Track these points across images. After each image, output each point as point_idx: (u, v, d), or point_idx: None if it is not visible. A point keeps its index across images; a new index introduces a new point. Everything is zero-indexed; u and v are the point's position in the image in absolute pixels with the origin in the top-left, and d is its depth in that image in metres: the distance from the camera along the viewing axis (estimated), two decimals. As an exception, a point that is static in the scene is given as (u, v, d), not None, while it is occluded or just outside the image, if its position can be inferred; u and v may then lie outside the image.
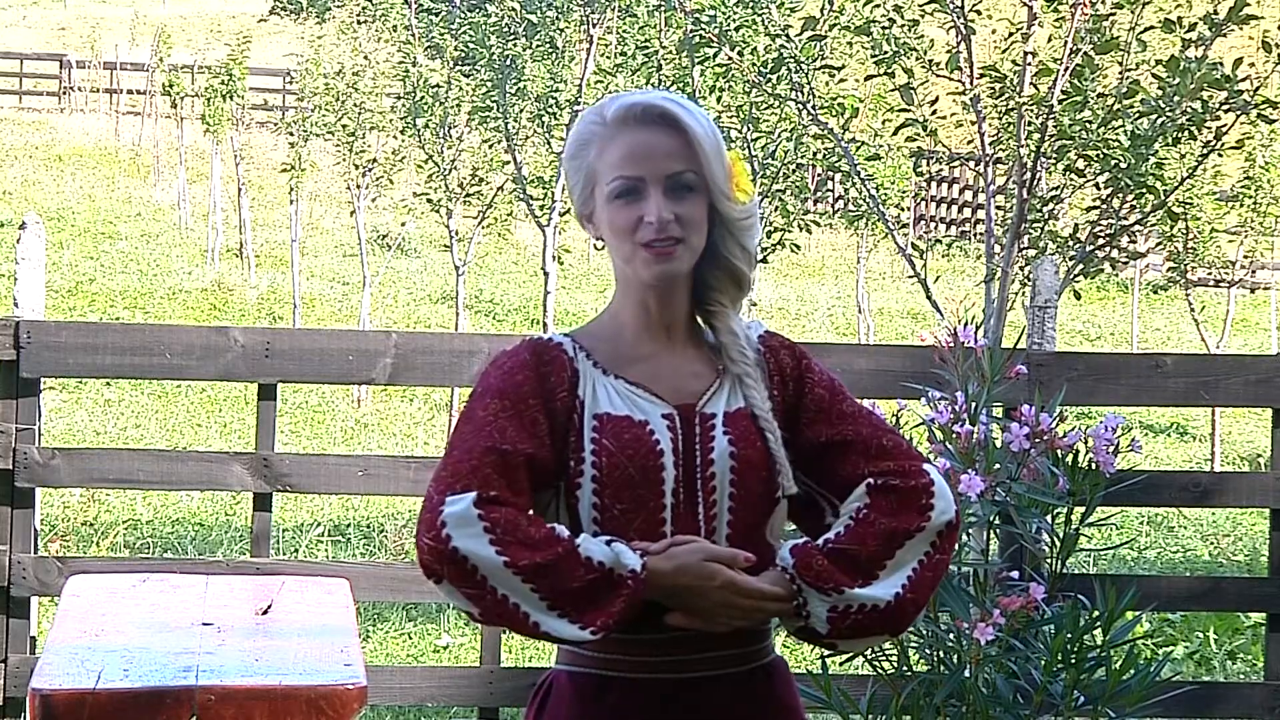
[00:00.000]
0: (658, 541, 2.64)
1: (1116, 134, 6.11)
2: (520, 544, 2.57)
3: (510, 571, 2.57)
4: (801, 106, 7.16)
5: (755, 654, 2.72)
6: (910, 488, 2.67)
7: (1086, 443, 4.11)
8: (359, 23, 17.21)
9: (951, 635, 4.05)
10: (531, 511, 2.70)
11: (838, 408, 2.74)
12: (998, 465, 4.06)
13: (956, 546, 3.95)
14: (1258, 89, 6.03)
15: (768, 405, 2.71)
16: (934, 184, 28.54)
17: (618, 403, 2.68)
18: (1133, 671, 3.96)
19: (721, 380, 2.72)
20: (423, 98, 14.55)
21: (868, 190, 7.25)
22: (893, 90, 6.79)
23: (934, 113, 6.68)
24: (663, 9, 11.25)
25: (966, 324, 4.15)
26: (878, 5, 6.44)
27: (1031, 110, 6.14)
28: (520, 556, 2.57)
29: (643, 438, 2.66)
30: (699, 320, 2.78)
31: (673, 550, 2.62)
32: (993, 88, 6.26)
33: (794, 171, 10.22)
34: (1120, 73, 6.33)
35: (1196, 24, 5.98)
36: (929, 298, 6.54)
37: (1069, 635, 3.96)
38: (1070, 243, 6.42)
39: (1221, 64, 5.97)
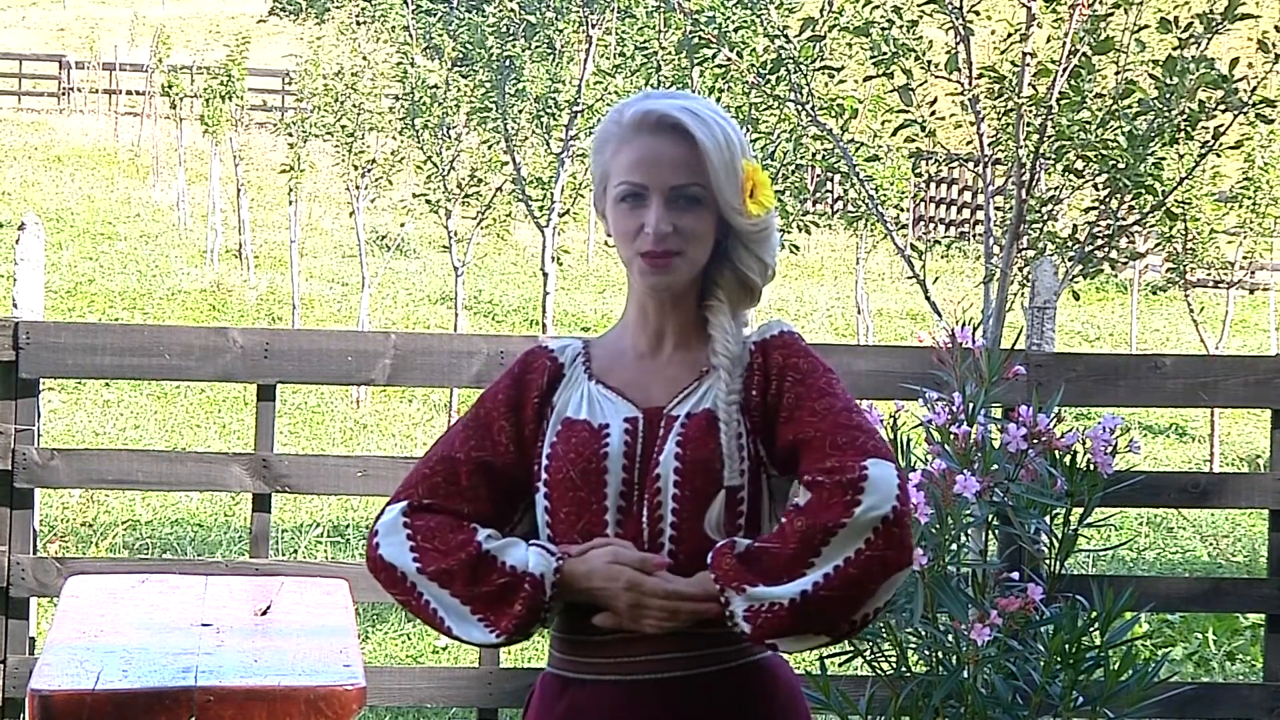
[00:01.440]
0: (584, 544, 2.67)
1: (1115, 134, 6.11)
2: (436, 550, 2.67)
3: (425, 577, 2.67)
4: (800, 107, 7.16)
5: (726, 655, 2.69)
6: (836, 483, 2.57)
7: (1085, 443, 4.11)
8: (358, 23, 17.21)
9: (950, 636, 4.05)
10: (530, 518, 2.74)
11: (811, 405, 2.66)
12: (996, 466, 4.05)
13: (955, 547, 4.00)
14: (1255, 89, 6.03)
15: (733, 399, 2.67)
16: (933, 185, 28.53)
17: (584, 408, 2.70)
18: (1131, 672, 3.96)
19: (700, 381, 2.70)
20: (421, 98, 14.55)
21: (866, 191, 7.25)
22: (891, 91, 6.79)
23: (933, 114, 6.67)
24: (661, 10, 11.25)
25: (965, 325, 4.15)
26: (877, 6, 6.43)
27: (1030, 111, 6.14)
28: (431, 562, 2.66)
29: (590, 442, 2.67)
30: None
31: (588, 554, 2.65)
32: (991, 88, 6.25)
33: (793, 172, 10.22)
34: (1117, 72, 6.33)
35: (1193, 23, 5.98)
36: (928, 298, 6.54)
37: (1067, 636, 3.96)
38: (1069, 243, 6.42)
39: (1215, 62, 5.97)
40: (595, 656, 2.68)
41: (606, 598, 2.63)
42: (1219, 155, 7.39)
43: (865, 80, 10.84)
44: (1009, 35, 6.34)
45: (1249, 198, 14.76)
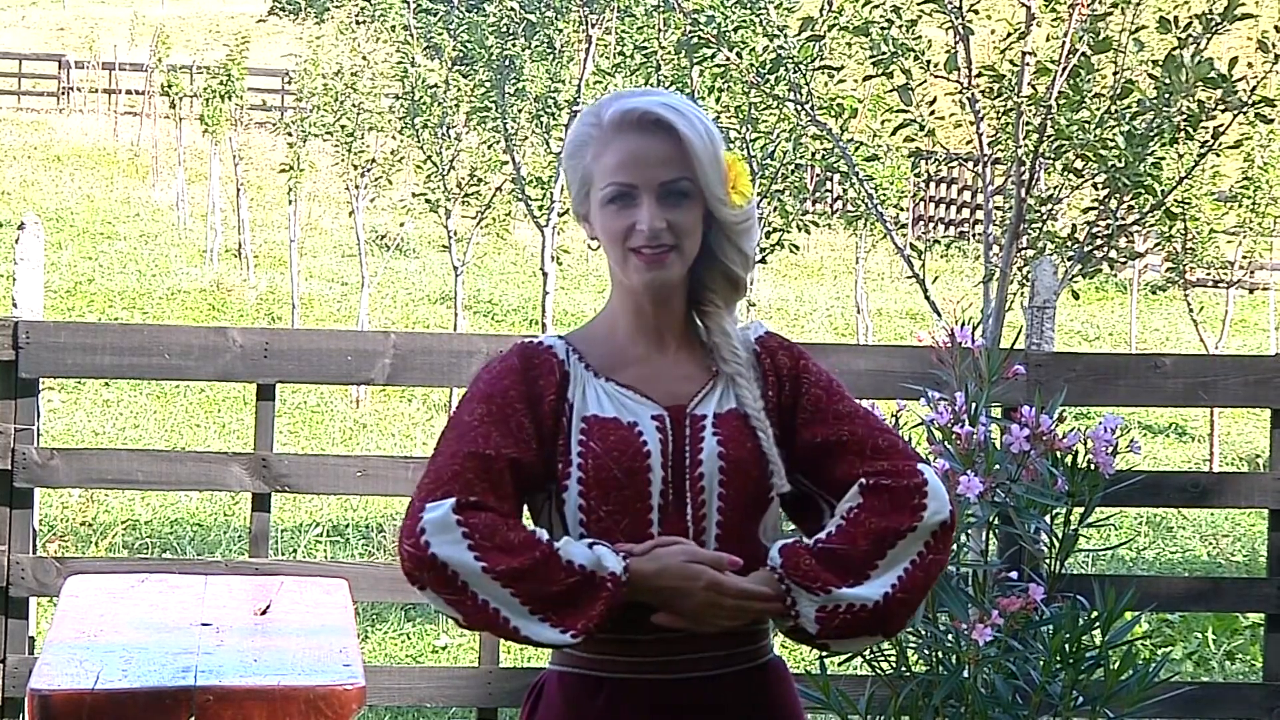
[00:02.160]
0: (644, 543, 2.64)
1: (1114, 134, 6.11)
2: (498, 549, 2.59)
3: (489, 577, 2.58)
4: (800, 107, 7.16)
5: (750, 654, 2.71)
6: (903, 487, 2.65)
7: (1086, 444, 4.10)
8: (357, 23, 17.21)
9: (950, 636, 4.05)
10: (525, 515, 2.71)
11: (834, 408, 2.72)
12: (997, 466, 4.05)
13: (955, 547, 3.99)
14: (1254, 88, 6.04)
15: (760, 405, 2.69)
16: (932, 184, 28.53)
17: (607, 405, 2.68)
18: (1131, 672, 3.96)
19: (714, 382, 2.71)
20: (421, 98, 14.55)
21: (866, 191, 7.25)
22: (891, 91, 6.78)
23: (932, 113, 6.67)
24: (661, 9, 11.24)
25: (964, 324, 4.15)
26: (876, 6, 6.43)
27: (1029, 110, 6.14)
28: (498, 561, 2.58)
29: (629, 439, 2.65)
30: (697, 321, 2.78)
31: (657, 552, 2.62)
32: (990, 88, 6.25)
33: (793, 172, 10.21)
34: (1116, 72, 6.33)
35: (1192, 22, 5.98)
36: (927, 298, 6.54)
37: (1067, 636, 3.96)
38: (1068, 243, 6.42)
39: (1214, 62, 5.97)
40: (635, 655, 2.67)
41: (679, 596, 2.61)
42: (1218, 155, 7.40)
43: (865, 80, 10.85)
44: (1008, 35, 6.34)
45: (1248, 197, 14.78)
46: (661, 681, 2.67)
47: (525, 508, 2.74)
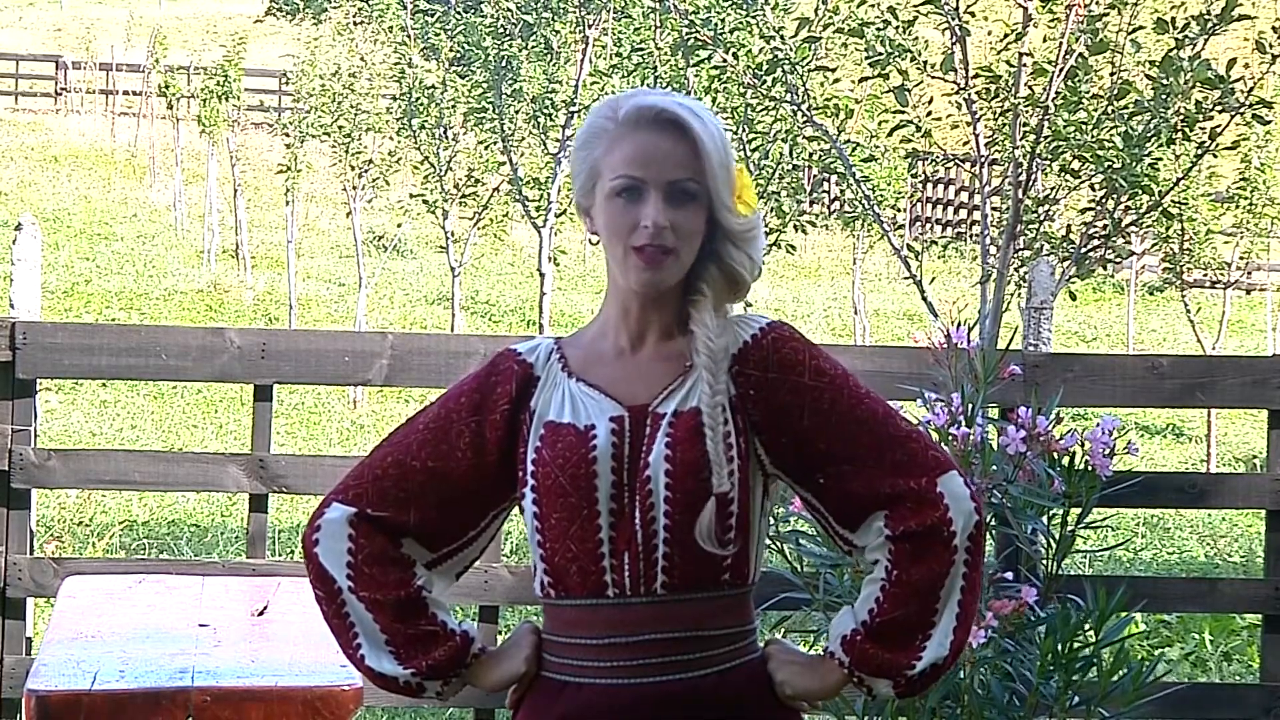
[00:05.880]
0: (585, 570, 2.63)
1: (1111, 135, 6.12)
2: (371, 578, 2.68)
3: (354, 596, 2.68)
4: (796, 108, 7.16)
5: (725, 656, 2.65)
6: (929, 527, 2.59)
7: (1083, 445, 4.10)
8: (355, 24, 17.20)
9: (947, 636, 4.04)
10: (482, 526, 2.75)
11: (852, 414, 2.63)
12: (994, 467, 4.05)
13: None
14: (1251, 89, 6.04)
15: (720, 400, 2.61)
16: (930, 185, 28.53)
17: (567, 410, 2.65)
18: (1124, 672, 3.96)
19: (686, 377, 2.64)
20: (418, 99, 14.55)
21: (863, 191, 7.25)
22: (888, 92, 6.79)
23: (929, 114, 6.68)
24: (658, 11, 11.25)
25: (961, 325, 4.15)
26: (872, 6, 6.44)
27: (1026, 111, 6.15)
28: (362, 587, 2.68)
29: (576, 446, 2.62)
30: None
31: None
32: (987, 89, 6.26)
33: (789, 172, 10.21)
34: (1113, 73, 6.34)
35: (1189, 23, 5.99)
36: (924, 299, 6.55)
37: (1059, 637, 3.96)
38: (1064, 244, 6.43)
39: (1211, 63, 5.98)
40: (593, 660, 2.66)
41: None
42: (1215, 155, 7.40)
43: (861, 81, 10.86)
44: (1005, 36, 6.34)
45: (1245, 198, 14.79)
46: (624, 685, 2.63)
47: (493, 517, 2.75)
